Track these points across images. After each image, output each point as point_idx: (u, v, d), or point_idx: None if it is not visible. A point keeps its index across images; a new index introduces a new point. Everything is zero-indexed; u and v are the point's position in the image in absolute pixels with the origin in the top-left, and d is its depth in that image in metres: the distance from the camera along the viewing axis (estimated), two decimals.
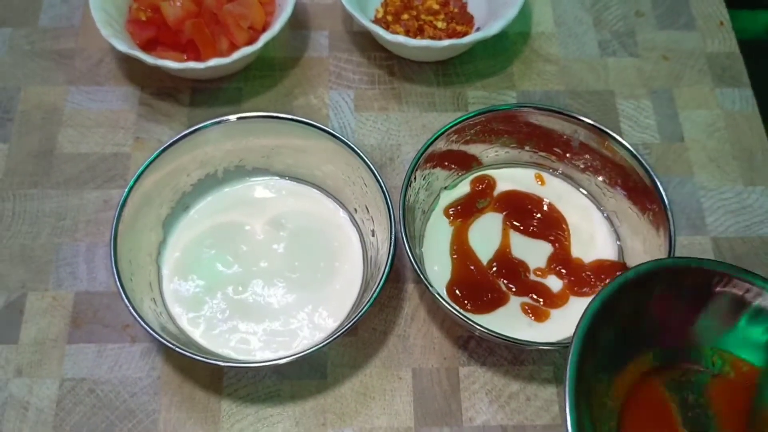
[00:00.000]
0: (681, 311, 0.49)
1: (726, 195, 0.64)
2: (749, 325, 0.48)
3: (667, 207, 0.54)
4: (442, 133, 0.56)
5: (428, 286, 0.51)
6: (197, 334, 0.55)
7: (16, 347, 0.56)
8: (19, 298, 0.57)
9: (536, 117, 0.58)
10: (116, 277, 0.50)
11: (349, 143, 0.55)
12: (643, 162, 0.55)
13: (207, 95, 0.67)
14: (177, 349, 0.49)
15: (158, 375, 0.55)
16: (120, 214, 0.53)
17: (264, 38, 0.62)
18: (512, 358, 0.56)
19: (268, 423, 0.53)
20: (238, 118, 0.56)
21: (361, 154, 0.55)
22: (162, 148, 0.55)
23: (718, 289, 0.48)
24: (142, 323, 0.49)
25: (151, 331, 0.49)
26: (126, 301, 0.49)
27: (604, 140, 0.57)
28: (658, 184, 0.55)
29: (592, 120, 0.57)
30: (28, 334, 0.56)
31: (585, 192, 0.61)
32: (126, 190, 0.53)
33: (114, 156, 0.64)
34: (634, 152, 0.56)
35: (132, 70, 0.68)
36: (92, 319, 0.57)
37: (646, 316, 0.48)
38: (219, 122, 0.56)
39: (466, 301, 0.56)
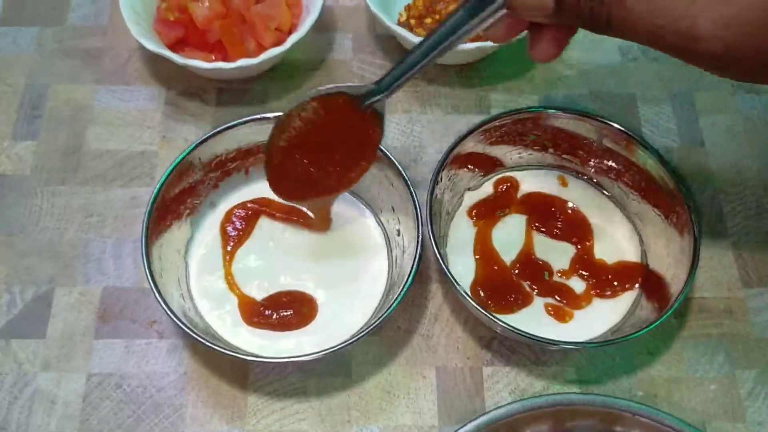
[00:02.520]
0: None
1: (746, 200, 0.65)
2: None
3: (692, 211, 0.54)
4: (469, 133, 0.57)
5: (454, 284, 0.52)
6: (224, 329, 0.55)
7: (44, 341, 0.56)
8: (46, 293, 0.58)
9: (561, 120, 0.59)
10: (148, 273, 0.51)
11: None
12: (671, 166, 0.56)
13: (233, 96, 0.68)
14: (207, 343, 0.49)
15: (185, 371, 0.55)
16: (151, 211, 0.53)
17: (291, 39, 0.63)
18: (535, 358, 0.57)
19: (293, 419, 0.54)
20: (269, 118, 0.57)
21: (388, 153, 0.56)
22: (191, 146, 0.56)
23: None
24: (174, 319, 0.49)
25: (183, 326, 0.49)
26: (157, 296, 0.50)
27: (629, 144, 0.58)
28: (684, 188, 0.55)
29: (617, 123, 0.58)
30: (55, 329, 0.57)
31: (608, 194, 0.62)
32: (157, 186, 0.54)
33: (141, 154, 0.65)
34: (661, 156, 0.56)
35: (158, 70, 0.69)
36: (119, 315, 0.57)
37: None
38: (248, 121, 0.57)
39: (489, 302, 0.57)
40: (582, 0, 0.40)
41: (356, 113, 0.50)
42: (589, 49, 0.73)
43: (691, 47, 0.37)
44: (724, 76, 0.40)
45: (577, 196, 0.62)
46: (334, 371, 0.56)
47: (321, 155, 0.52)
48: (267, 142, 0.51)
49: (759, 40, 0.36)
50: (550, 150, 0.62)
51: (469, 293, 0.56)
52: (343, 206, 0.61)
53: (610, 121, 0.58)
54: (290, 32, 0.66)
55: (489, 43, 0.64)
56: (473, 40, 0.68)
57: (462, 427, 0.46)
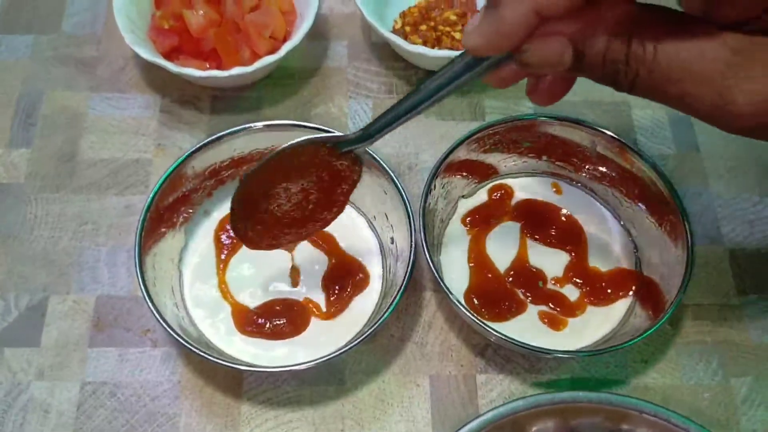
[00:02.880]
0: None
1: (742, 205, 0.65)
2: None
3: (686, 219, 0.54)
4: (462, 141, 0.57)
5: (448, 293, 0.52)
6: (217, 338, 0.55)
7: (38, 350, 0.56)
8: (40, 301, 0.58)
9: (555, 127, 0.59)
10: (141, 282, 0.51)
11: (369, 150, 0.56)
12: (664, 174, 0.56)
13: (227, 103, 0.68)
14: (201, 353, 0.49)
15: (179, 379, 0.55)
16: (144, 219, 0.53)
17: (286, 48, 0.63)
18: (529, 366, 0.57)
19: (287, 428, 0.54)
20: (264, 126, 0.57)
21: (381, 161, 0.56)
22: (185, 154, 0.56)
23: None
24: (167, 328, 0.49)
25: (177, 336, 0.49)
26: (151, 306, 0.50)
27: (622, 151, 0.58)
28: (677, 196, 0.55)
29: (611, 131, 0.58)
30: (49, 337, 0.57)
31: (602, 202, 0.62)
32: (150, 195, 0.54)
33: (135, 162, 0.65)
34: (655, 164, 0.56)
35: (153, 78, 0.69)
36: (113, 323, 0.57)
37: None
38: (243, 129, 0.57)
39: (483, 309, 0.57)
40: (606, 59, 0.36)
41: (333, 159, 0.47)
42: None
43: (720, 116, 0.35)
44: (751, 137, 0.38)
45: (571, 203, 0.62)
46: (327, 380, 0.56)
47: (293, 203, 0.49)
48: (235, 191, 0.48)
49: None
50: (544, 157, 0.62)
51: (463, 301, 0.56)
52: None
53: (604, 128, 0.58)
54: (285, 40, 0.66)
55: None
56: None
57: (467, 424, 0.46)
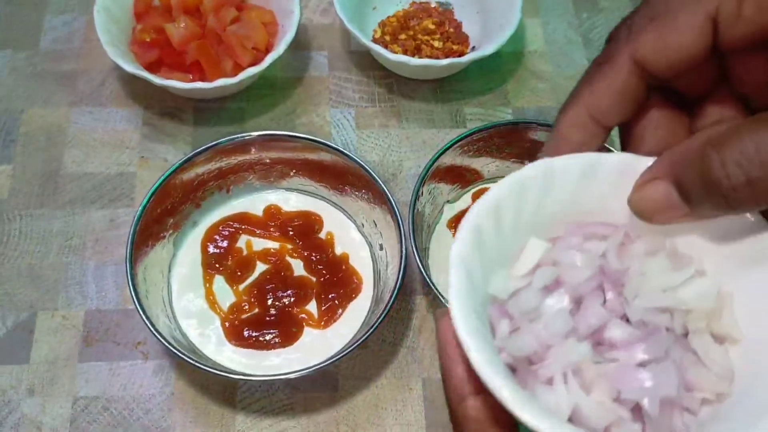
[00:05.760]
0: None
1: None
2: None
3: None
4: (448, 147, 0.58)
5: (438, 295, 0.53)
6: (209, 349, 0.56)
7: (28, 367, 0.56)
8: (28, 318, 0.58)
9: (537, 133, 0.60)
10: (134, 296, 0.51)
11: (358, 160, 0.57)
12: None
13: (210, 114, 0.68)
14: (195, 364, 0.49)
15: (171, 391, 0.55)
16: (134, 233, 0.53)
17: (269, 59, 0.63)
18: None
19: None
20: (254, 136, 0.57)
21: (368, 169, 0.56)
22: (174, 165, 0.56)
23: None
24: (162, 340, 0.49)
25: (172, 348, 0.49)
26: (145, 318, 0.50)
27: None
28: None
29: None
30: (39, 354, 0.56)
31: None
32: (140, 208, 0.54)
33: (119, 175, 0.65)
34: None
35: (134, 90, 0.69)
36: (103, 337, 0.57)
37: None
38: (231, 140, 0.57)
39: None
40: None
41: None
42: (558, 62, 0.74)
43: None
44: None
45: None
46: (321, 386, 0.56)
47: None
48: None
49: None
50: (526, 161, 0.63)
51: None
52: (327, 221, 0.61)
53: None
54: (267, 51, 0.66)
55: (460, 60, 0.66)
56: (446, 56, 0.69)
57: None
